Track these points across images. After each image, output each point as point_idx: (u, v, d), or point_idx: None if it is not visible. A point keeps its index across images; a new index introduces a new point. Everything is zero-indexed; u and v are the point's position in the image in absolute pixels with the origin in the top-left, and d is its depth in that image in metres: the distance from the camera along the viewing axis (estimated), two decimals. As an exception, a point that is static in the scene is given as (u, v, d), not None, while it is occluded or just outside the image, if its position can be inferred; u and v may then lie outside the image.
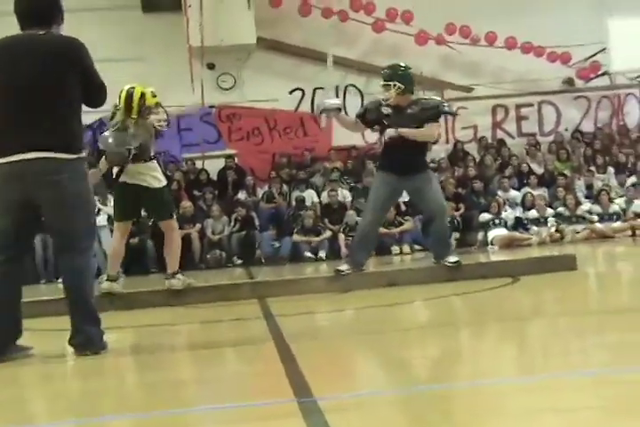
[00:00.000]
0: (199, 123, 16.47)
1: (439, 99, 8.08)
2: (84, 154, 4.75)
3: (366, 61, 16.75)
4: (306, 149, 16.44)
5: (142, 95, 6.96)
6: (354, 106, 15.40)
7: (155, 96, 7.06)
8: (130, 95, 6.91)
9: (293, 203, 15.06)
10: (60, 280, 14.19)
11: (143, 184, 7.08)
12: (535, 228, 14.09)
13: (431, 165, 16.06)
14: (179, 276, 7.39)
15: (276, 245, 14.21)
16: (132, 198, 7.23)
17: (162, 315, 6.97)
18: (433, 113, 7.73)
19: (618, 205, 14.58)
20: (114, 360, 4.78)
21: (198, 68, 15.99)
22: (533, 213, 14.34)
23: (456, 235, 14.17)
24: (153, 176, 7.17)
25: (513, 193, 15.13)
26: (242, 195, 15.47)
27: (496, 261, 9.58)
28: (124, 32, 16.23)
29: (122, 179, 7.17)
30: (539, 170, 16.11)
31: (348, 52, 16.82)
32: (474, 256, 11.72)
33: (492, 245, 13.63)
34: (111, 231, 13.60)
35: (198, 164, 16.30)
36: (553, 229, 14.06)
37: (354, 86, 16.87)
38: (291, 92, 16.77)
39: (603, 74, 17.17)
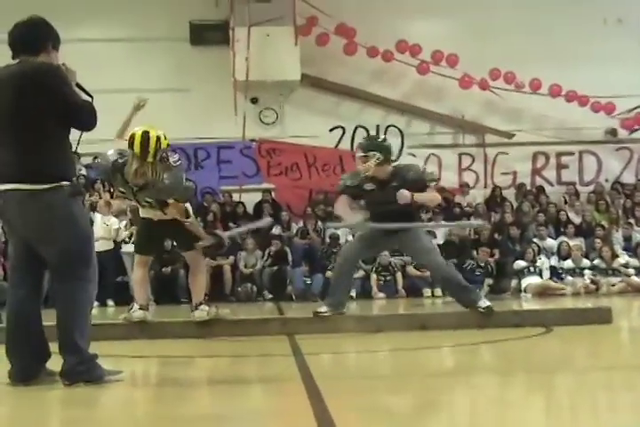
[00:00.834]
0: (239, 156, 16.58)
1: (416, 166, 7.90)
2: (63, 182, 4.63)
3: (409, 102, 16.81)
4: (343, 187, 16.41)
5: (158, 139, 6.57)
6: (394, 146, 15.45)
7: (165, 138, 6.71)
8: (146, 139, 6.53)
9: (327, 240, 15.04)
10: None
11: (172, 218, 7.05)
12: (570, 278, 13.95)
13: (467, 209, 16.13)
14: (203, 307, 7.30)
15: (308, 281, 14.18)
16: (156, 234, 7.27)
17: (188, 346, 6.94)
18: (418, 185, 7.55)
19: (656, 259, 14.41)
20: (135, 390, 4.76)
21: (242, 101, 16.15)
22: (569, 263, 14.21)
23: (489, 281, 14.10)
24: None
25: (549, 242, 15.01)
26: (276, 230, 15.48)
27: (530, 310, 9.45)
28: (171, 63, 16.44)
29: (147, 214, 7.15)
30: (576, 219, 15.98)
31: (391, 93, 16.88)
32: (507, 303, 11.60)
33: (525, 292, 13.50)
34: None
35: (235, 196, 16.36)
36: (588, 281, 13.91)
37: (395, 127, 16.90)
38: (331, 130, 16.84)
39: (647, 126, 17.09)
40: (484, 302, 7.64)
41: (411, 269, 14.16)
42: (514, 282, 13.92)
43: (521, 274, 13.83)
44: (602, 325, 7.48)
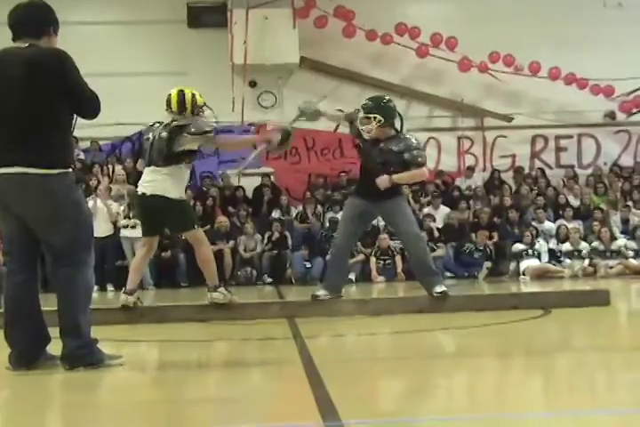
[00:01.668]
0: (238, 140, 16.53)
1: (415, 142, 7.83)
2: (69, 169, 4.67)
3: (408, 85, 16.78)
4: (342, 171, 16.44)
5: (193, 95, 7.04)
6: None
7: (201, 96, 7.12)
8: (182, 96, 6.99)
9: (327, 224, 15.05)
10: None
11: (154, 193, 6.86)
12: (568, 260, 13.99)
13: (466, 192, 16.14)
14: (221, 289, 7.25)
15: (308, 265, 14.21)
16: (146, 211, 7.11)
17: (189, 330, 6.96)
18: (405, 161, 7.52)
19: (654, 241, 14.44)
20: (136, 374, 4.78)
21: (240, 85, 16.09)
22: (567, 246, 14.23)
23: (488, 264, 14.13)
24: (170, 185, 6.91)
25: (547, 225, 15.03)
26: (276, 213, 15.50)
27: (528, 293, 9.49)
28: (168, 46, 16.39)
29: (140, 189, 7.01)
30: (575, 202, 15.99)
31: (390, 76, 16.84)
32: (505, 286, 11.65)
33: (523, 275, 13.54)
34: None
35: (234, 180, 16.35)
36: (587, 263, 13.94)
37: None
38: (330, 114, 16.79)
39: (646, 109, 17.07)
40: (440, 287, 7.55)
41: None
42: (512, 265, 13.95)
43: (519, 257, 13.86)
44: (600, 307, 7.51)
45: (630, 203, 15.85)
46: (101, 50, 15.65)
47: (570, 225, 14.75)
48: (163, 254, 13.75)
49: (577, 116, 17.09)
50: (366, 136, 7.61)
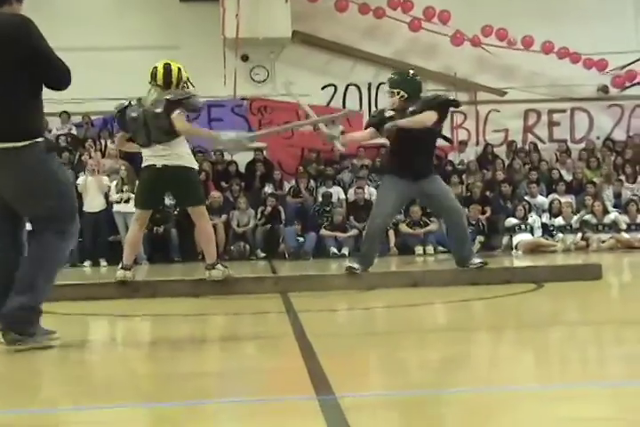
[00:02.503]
0: (230, 114, 16.51)
1: (431, 95, 7.92)
2: (39, 139, 4.50)
3: (400, 59, 16.72)
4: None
5: (179, 69, 6.98)
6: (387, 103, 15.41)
7: (186, 71, 7.08)
8: (168, 70, 6.92)
9: (320, 198, 15.06)
10: (84, 264, 14.13)
11: (177, 163, 6.87)
12: (561, 235, 14.03)
13: (459, 167, 16.15)
14: (219, 266, 7.24)
15: (301, 239, 14.23)
16: (159, 184, 7.04)
17: (182, 305, 6.98)
18: (433, 103, 7.52)
19: (646, 215, 14.48)
20: (127, 349, 4.79)
21: (232, 59, 16.03)
22: (560, 220, 14.27)
23: (480, 238, 14.16)
24: (187, 156, 7.02)
25: (540, 199, 15.05)
26: (268, 188, 15.49)
27: (521, 267, 9.52)
28: (159, 20, 16.30)
29: (149, 162, 6.98)
30: (567, 177, 16.02)
31: (383, 50, 16.78)
32: (498, 260, 11.68)
33: (516, 249, 13.58)
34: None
35: (227, 155, 16.33)
36: (579, 238, 13.99)
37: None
38: (323, 88, 16.76)
39: (638, 83, 17.04)
40: (478, 259, 7.72)
41: (403, 227, 14.23)
42: (505, 239, 13.99)
43: (512, 231, 13.91)
44: (592, 281, 7.55)
45: (622, 177, 15.88)
46: (93, 24, 15.55)
47: (562, 199, 14.78)
48: (155, 229, 13.76)
49: (570, 90, 17.08)
50: (389, 109, 7.62)
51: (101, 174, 14.06)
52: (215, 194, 14.52)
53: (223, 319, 6.27)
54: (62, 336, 4.65)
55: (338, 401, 2.99)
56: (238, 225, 14.45)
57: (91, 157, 14.48)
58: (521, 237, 13.75)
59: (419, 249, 13.96)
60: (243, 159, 16.16)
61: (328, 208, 14.66)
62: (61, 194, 4.63)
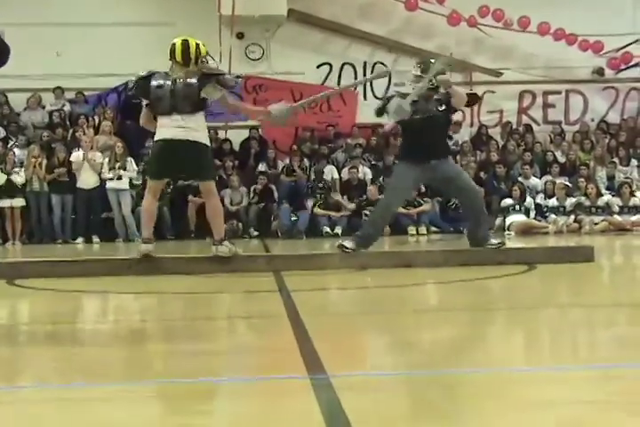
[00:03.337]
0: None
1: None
2: None
3: (396, 39, 16.66)
4: (329, 125, 16.39)
5: (197, 45, 7.00)
6: (381, 83, 15.38)
7: (204, 46, 7.09)
8: (186, 47, 6.94)
9: (313, 177, 15.05)
10: (77, 240, 14.11)
11: (191, 137, 6.89)
12: (553, 216, 14.05)
13: (453, 148, 16.12)
14: (227, 243, 7.30)
15: (294, 218, 14.22)
16: (172, 156, 7.02)
17: (174, 283, 6.98)
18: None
19: (639, 198, 14.49)
20: (120, 327, 4.80)
21: (227, 37, 15.94)
22: (553, 202, 14.29)
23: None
24: (202, 131, 7.05)
25: (533, 180, 15.07)
26: (262, 167, 15.47)
27: (514, 248, 9.53)
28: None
29: (164, 135, 6.99)
30: (562, 159, 16.02)
31: (379, 29, 16.71)
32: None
33: (508, 230, 13.60)
34: (132, 196, 13.75)
35: (221, 133, 16.28)
36: (572, 220, 14.01)
37: (382, 64, 16.77)
38: (318, 67, 16.70)
39: (634, 65, 17.02)
40: (496, 239, 7.88)
41: (396, 207, 14.22)
42: (498, 220, 14.01)
43: (506, 212, 13.92)
44: (584, 263, 7.57)
45: (616, 159, 15.89)
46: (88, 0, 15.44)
47: (557, 181, 14.79)
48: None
49: (565, 71, 17.04)
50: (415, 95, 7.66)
51: (95, 150, 14.01)
52: (210, 172, 14.47)
53: (216, 298, 6.27)
54: (52, 313, 4.66)
55: (330, 381, 3.00)
56: (231, 203, 14.43)
57: (84, 134, 14.42)
58: (513, 219, 13.77)
59: (412, 229, 13.97)
60: (237, 137, 16.12)
61: (321, 184, 14.66)
62: None
